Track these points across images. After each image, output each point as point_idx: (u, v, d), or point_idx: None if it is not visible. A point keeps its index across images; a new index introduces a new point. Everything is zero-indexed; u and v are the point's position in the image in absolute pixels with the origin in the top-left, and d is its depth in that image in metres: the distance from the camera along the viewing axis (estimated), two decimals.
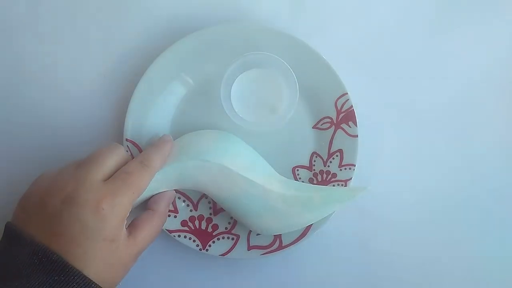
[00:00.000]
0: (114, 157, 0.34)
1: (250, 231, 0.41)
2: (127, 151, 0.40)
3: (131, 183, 0.33)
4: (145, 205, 0.38)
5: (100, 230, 0.31)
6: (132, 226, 0.35)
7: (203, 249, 0.40)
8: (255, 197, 0.37)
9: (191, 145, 0.39)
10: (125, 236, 0.33)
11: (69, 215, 0.30)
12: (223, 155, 0.38)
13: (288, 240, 0.40)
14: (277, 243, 0.41)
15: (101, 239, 0.31)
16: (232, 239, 0.41)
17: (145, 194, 0.37)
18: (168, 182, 0.38)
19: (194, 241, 0.40)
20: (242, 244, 0.41)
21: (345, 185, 0.40)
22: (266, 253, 0.40)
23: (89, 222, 0.31)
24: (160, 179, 0.37)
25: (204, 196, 0.42)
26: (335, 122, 0.41)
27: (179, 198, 0.41)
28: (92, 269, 0.30)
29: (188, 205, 0.41)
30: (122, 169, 0.34)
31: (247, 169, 0.38)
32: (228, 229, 0.41)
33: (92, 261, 0.30)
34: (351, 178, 0.40)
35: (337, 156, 0.41)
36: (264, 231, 0.39)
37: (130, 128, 0.40)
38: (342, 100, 0.41)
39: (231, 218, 0.41)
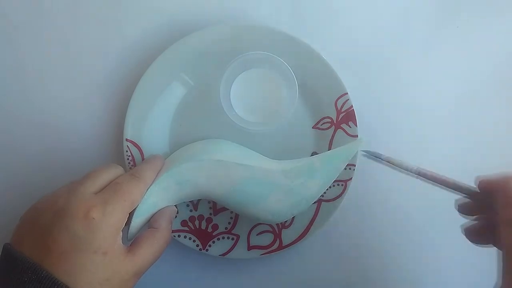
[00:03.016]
0: (109, 173, 0.34)
1: (250, 231, 0.41)
2: (126, 151, 0.40)
3: (121, 191, 0.33)
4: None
5: (90, 241, 0.30)
6: (132, 244, 0.34)
7: (203, 249, 0.40)
8: (257, 181, 0.37)
9: (181, 154, 0.39)
10: (122, 250, 0.32)
11: (60, 227, 0.30)
12: (214, 151, 0.38)
13: (288, 240, 0.40)
14: (277, 243, 0.41)
15: (92, 250, 0.30)
16: (232, 239, 0.41)
17: (147, 212, 0.36)
18: (166, 193, 0.37)
19: (194, 241, 0.40)
20: (242, 244, 0.41)
21: (345, 185, 0.40)
22: (266, 253, 0.40)
23: (79, 232, 0.30)
24: (157, 191, 0.36)
25: None
26: (335, 122, 0.41)
27: None
28: (84, 284, 0.29)
29: (188, 205, 0.41)
30: (112, 181, 0.34)
31: (241, 159, 0.38)
32: (228, 229, 0.41)
33: (83, 274, 0.29)
34: (351, 178, 0.40)
35: None
36: (274, 216, 0.38)
37: (130, 128, 0.40)
38: (342, 100, 0.41)
39: (231, 218, 0.41)
